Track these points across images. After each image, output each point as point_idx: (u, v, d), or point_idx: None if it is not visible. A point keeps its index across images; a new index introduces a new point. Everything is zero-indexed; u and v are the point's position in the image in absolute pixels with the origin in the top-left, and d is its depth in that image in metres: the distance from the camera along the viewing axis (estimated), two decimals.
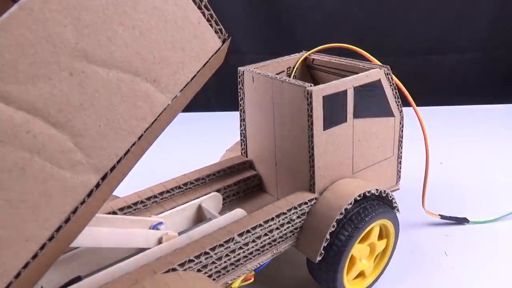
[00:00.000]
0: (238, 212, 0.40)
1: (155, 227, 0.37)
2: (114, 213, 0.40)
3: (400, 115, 0.46)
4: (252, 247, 0.36)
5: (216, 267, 0.34)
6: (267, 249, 0.38)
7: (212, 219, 0.40)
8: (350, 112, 0.41)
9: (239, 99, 0.48)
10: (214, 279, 0.34)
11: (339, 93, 0.39)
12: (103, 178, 0.21)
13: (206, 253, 0.33)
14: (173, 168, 0.53)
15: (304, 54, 0.52)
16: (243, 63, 0.47)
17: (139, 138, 0.22)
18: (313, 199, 0.40)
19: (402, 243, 0.48)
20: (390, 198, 0.43)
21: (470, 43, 0.98)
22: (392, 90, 0.44)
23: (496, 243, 0.51)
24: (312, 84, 0.38)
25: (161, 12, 0.22)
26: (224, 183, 0.47)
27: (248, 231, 0.35)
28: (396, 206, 0.44)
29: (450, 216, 0.55)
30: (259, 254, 0.37)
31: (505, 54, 0.99)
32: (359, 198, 0.40)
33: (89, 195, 0.21)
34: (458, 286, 0.45)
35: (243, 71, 0.46)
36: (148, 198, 0.43)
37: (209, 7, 0.24)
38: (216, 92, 1.03)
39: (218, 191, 0.45)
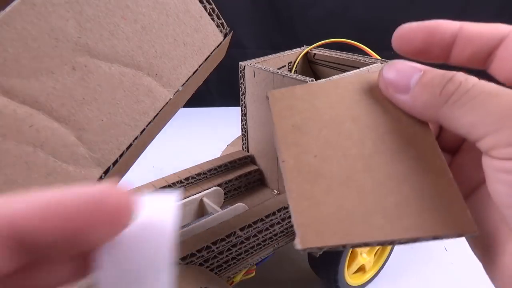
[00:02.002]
0: (239, 207, 0.40)
1: None
2: None
3: None
4: (254, 241, 0.36)
5: (218, 261, 0.34)
6: (269, 243, 0.38)
7: (213, 214, 0.40)
8: None
9: (240, 93, 0.48)
10: (216, 273, 0.35)
11: None
12: (106, 172, 0.21)
13: (208, 247, 0.33)
14: (175, 162, 0.53)
15: (306, 49, 0.52)
16: (244, 57, 0.47)
17: (141, 133, 0.22)
18: None
19: None
20: None
21: None
22: None
23: None
24: (314, 79, 0.38)
25: (163, 6, 0.22)
26: (225, 178, 0.47)
27: (249, 226, 0.35)
28: None
29: None
30: (260, 248, 0.37)
31: None
32: None
33: None
34: (457, 281, 0.45)
35: (245, 66, 0.45)
36: None
37: (210, 1, 0.24)
38: (217, 87, 1.03)
39: (219, 185, 0.46)
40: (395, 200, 0.15)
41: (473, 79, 0.15)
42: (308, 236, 0.15)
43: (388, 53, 0.54)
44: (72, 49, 0.19)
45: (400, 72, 0.17)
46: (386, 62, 0.43)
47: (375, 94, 0.18)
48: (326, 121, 0.17)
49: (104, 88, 0.20)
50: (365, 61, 0.44)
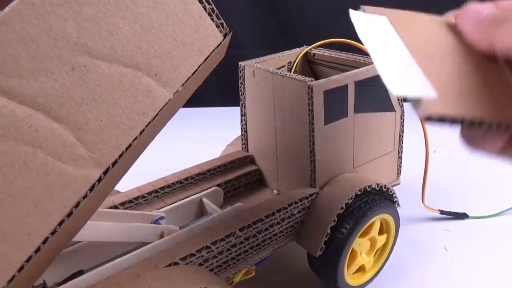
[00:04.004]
0: (239, 207, 0.40)
1: (156, 221, 0.37)
2: (115, 207, 0.40)
3: (401, 109, 0.46)
4: (253, 241, 0.36)
5: (217, 261, 0.34)
6: (268, 243, 0.38)
7: (213, 214, 0.40)
8: (351, 106, 0.41)
9: (240, 94, 0.47)
10: (215, 273, 0.34)
11: (340, 87, 0.39)
12: (105, 172, 0.21)
13: (207, 247, 0.33)
14: (174, 163, 0.53)
15: (305, 48, 0.51)
16: (244, 57, 0.47)
17: (140, 133, 0.22)
18: (314, 193, 0.40)
19: (402, 238, 0.48)
20: (391, 193, 0.43)
21: None
22: None
23: (495, 238, 0.51)
24: (313, 79, 0.38)
25: (162, 6, 0.22)
26: (225, 178, 0.47)
27: (249, 226, 0.35)
28: (396, 201, 0.44)
29: (449, 211, 0.55)
30: (260, 248, 0.37)
31: None
32: (359, 193, 0.40)
33: (91, 189, 0.21)
34: (457, 281, 0.45)
35: (244, 66, 0.45)
36: (150, 193, 0.43)
37: (210, 1, 0.24)
38: (217, 87, 1.03)
39: (219, 186, 0.46)
40: (499, 91, 0.16)
41: None
42: (432, 102, 0.15)
43: None
44: (71, 49, 0.19)
45: (473, 6, 0.18)
46: None
47: (455, 30, 0.19)
48: (421, 37, 0.19)
49: (103, 88, 0.20)
50: (365, 61, 0.44)
